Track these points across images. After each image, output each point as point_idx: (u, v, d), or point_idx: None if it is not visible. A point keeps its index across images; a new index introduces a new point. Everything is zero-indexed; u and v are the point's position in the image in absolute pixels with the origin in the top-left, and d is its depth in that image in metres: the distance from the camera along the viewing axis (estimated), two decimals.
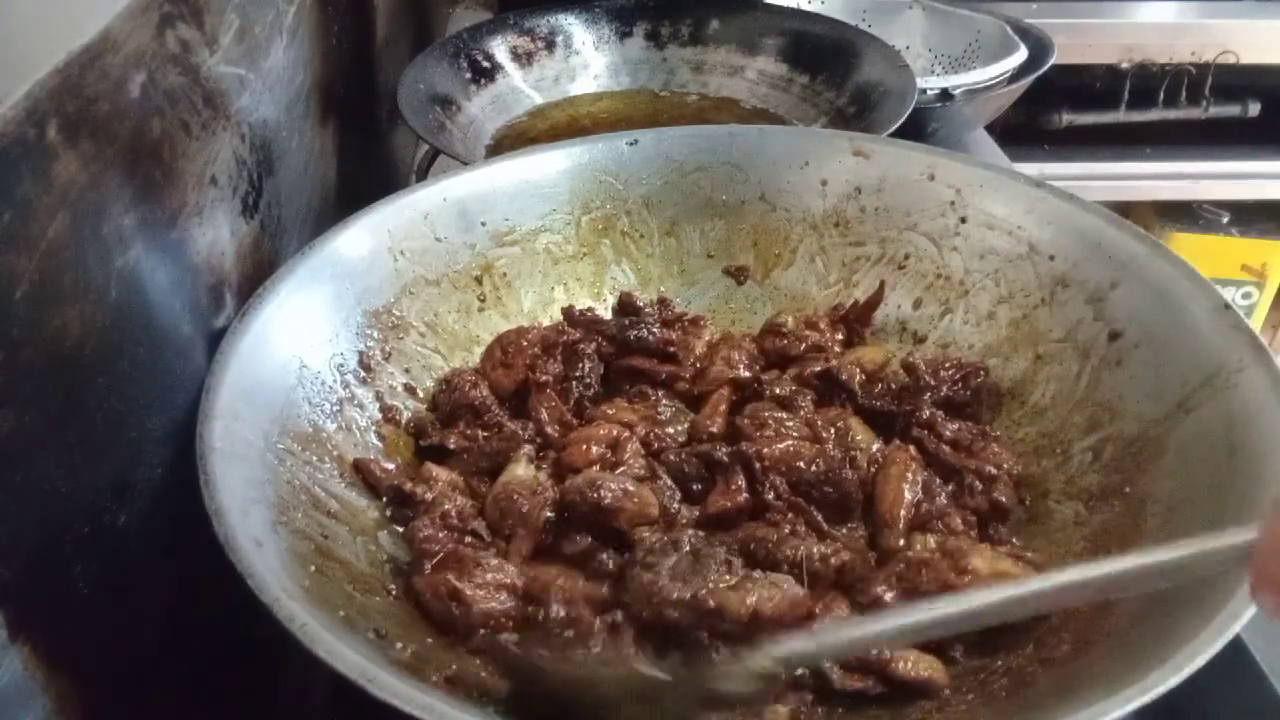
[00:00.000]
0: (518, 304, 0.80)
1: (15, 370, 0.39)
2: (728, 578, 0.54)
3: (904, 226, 0.80)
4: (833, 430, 0.67)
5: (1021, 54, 1.25)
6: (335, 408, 0.65)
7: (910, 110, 1.00)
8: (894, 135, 0.95)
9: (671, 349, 0.75)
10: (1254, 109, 1.85)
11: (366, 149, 1.10)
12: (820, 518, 0.61)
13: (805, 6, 1.40)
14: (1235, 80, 1.80)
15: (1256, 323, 1.99)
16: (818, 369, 0.72)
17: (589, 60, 1.26)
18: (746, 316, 0.83)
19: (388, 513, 0.63)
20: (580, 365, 0.74)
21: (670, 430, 0.69)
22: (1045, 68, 1.29)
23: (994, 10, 1.41)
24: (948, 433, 0.67)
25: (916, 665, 0.53)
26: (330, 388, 0.66)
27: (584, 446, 0.65)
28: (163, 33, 0.54)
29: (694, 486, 0.64)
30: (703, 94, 1.24)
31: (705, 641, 0.53)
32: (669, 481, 0.64)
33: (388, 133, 1.21)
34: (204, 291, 0.60)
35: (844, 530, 0.62)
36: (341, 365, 0.67)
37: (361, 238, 0.72)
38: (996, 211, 0.76)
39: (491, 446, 0.67)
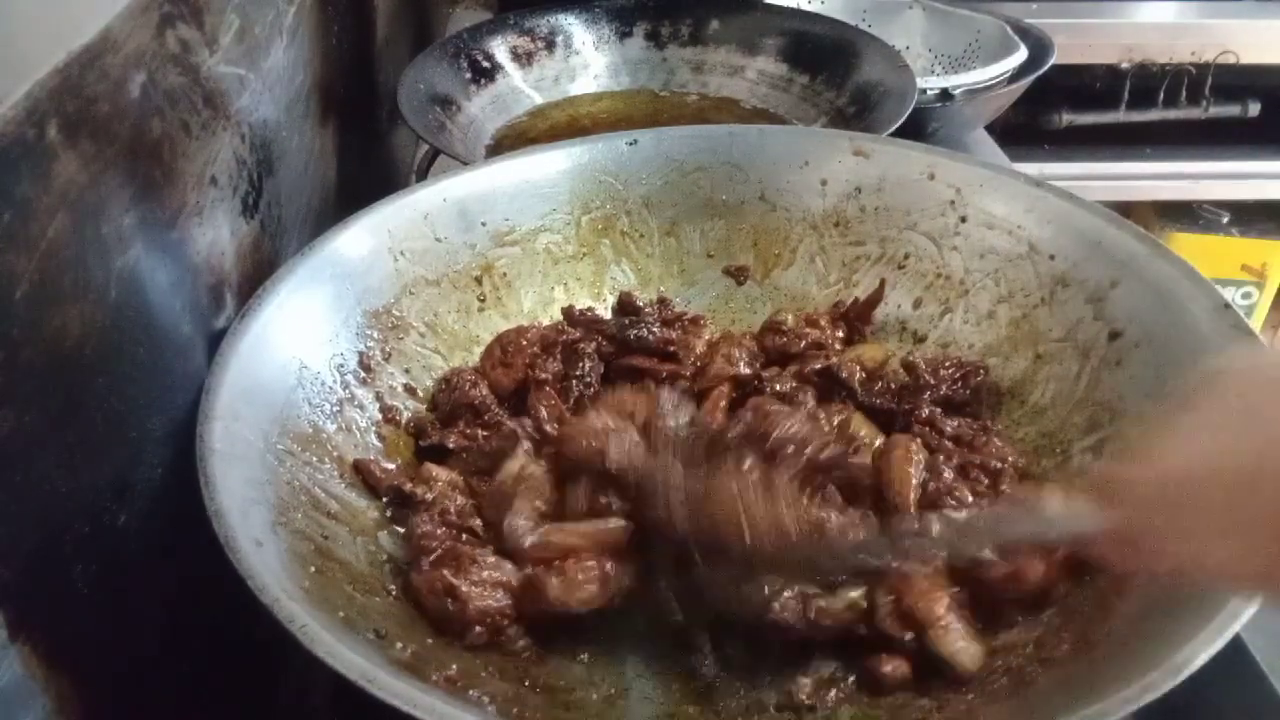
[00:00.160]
0: (518, 304, 0.80)
1: (15, 370, 0.39)
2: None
3: (904, 226, 0.80)
4: (835, 424, 0.67)
5: (1021, 54, 1.25)
6: (335, 408, 0.65)
7: (910, 110, 1.00)
8: (894, 135, 0.95)
9: (672, 348, 0.75)
10: (1254, 109, 1.85)
11: (366, 149, 1.10)
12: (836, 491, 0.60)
13: (805, 6, 1.40)
14: (1235, 80, 1.80)
15: (1256, 323, 1.99)
16: (818, 366, 0.72)
17: (589, 60, 1.26)
18: (746, 316, 0.83)
19: (388, 513, 0.63)
20: (580, 364, 0.74)
21: (671, 424, 0.69)
22: (1045, 68, 1.29)
23: (994, 10, 1.41)
24: (948, 429, 0.67)
25: (955, 645, 0.53)
26: (330, 388, 0.66)
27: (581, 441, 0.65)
28: (163, 33, 0.54)
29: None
30: (703, 94, 1.24)
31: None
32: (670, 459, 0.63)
33: (388, 133, 1.21)
34: (204, 291, 0.60)
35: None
36: (341, 365, 0.67)
37: (361, 238, 0.72)
38: (996, 211, 0.76)
39: (490, 446, 0.67)
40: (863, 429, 0.68)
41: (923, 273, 0.78)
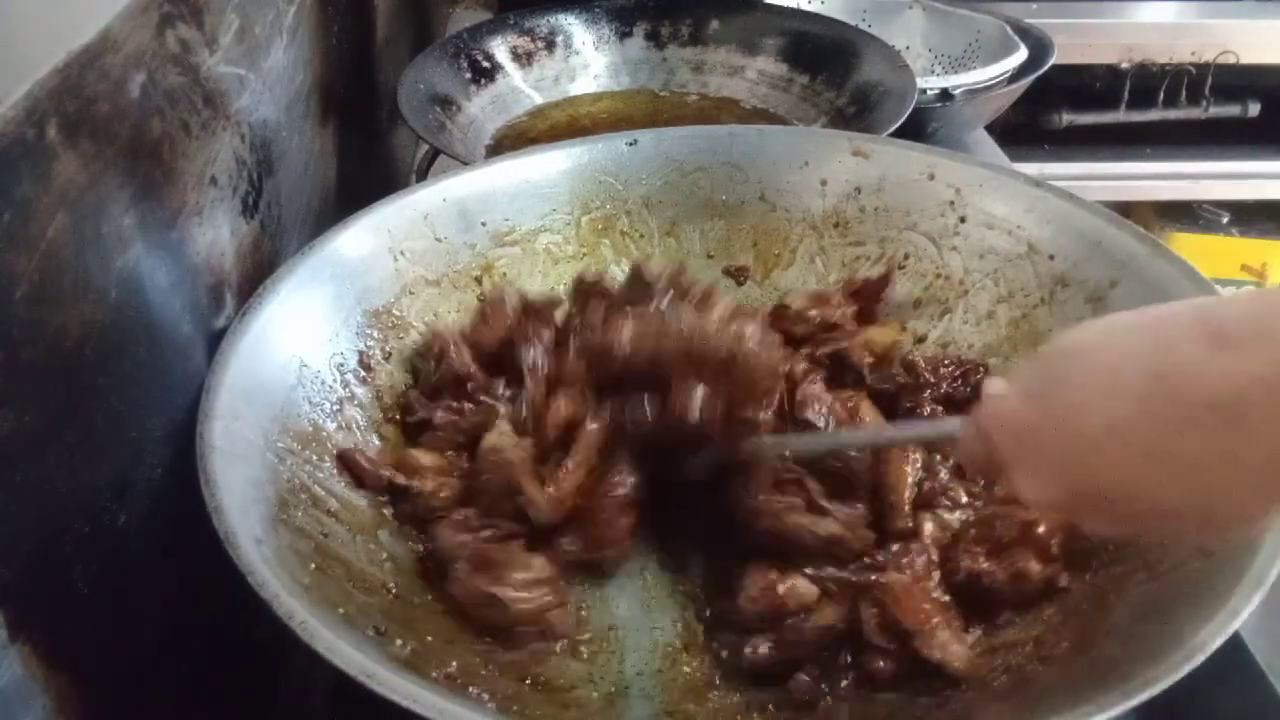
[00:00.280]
0: None
1: (15, 370, 0.39)
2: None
3: (904, 226, 0.80)
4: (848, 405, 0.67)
5: (1021, 54, 1.25)
6: (335, 407, 0.65)
7: (910, 110, 1.00)
8: (894, 135, 0.95)
9: None
10: (1254, 109, 1.85)
11: (366, 149, 1.10)
12: (820, 490, 0.61)
13: (805, 6, 1.40)
14: (1235, 80, 1.80)
15: None
16: (830, 350, 0.72)
17: (589, 60, 1.26)
18: None
19: (387, 511, 0.63)
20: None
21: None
22: (1045, 68, 1.29)
23: (994, 10, 1.41)
24: None
25: (944, 651, 0.53)
26: (330, 387, 0.66)
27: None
28: (163, 33, 0.54)
29: None
30: (703, 94, 1.24)
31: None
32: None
33: (388, 133, 1.21)
34: (204, 291, 0.60)
35: (844, 507, 0.61)
36: (341, 365, 0.67)
37: (361, 238, 0.72)
38: (996, 211, 0.76)
39: (467, 421, 0.67)
40: (869, 415, 0.68)
41: (922, 273, 0.78)
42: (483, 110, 1.15)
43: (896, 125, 0.97)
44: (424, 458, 0.65)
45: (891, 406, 0.70)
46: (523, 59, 1.22)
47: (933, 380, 0.70)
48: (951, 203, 0.78)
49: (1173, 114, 1.83)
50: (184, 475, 0.52)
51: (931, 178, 0.79)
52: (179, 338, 0.56)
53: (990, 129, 1.40)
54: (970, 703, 0.52)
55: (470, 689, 0.51)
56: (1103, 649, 0.50)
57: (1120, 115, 1.84)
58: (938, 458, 0.64)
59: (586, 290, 0.71)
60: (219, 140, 0.62)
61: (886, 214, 0.80)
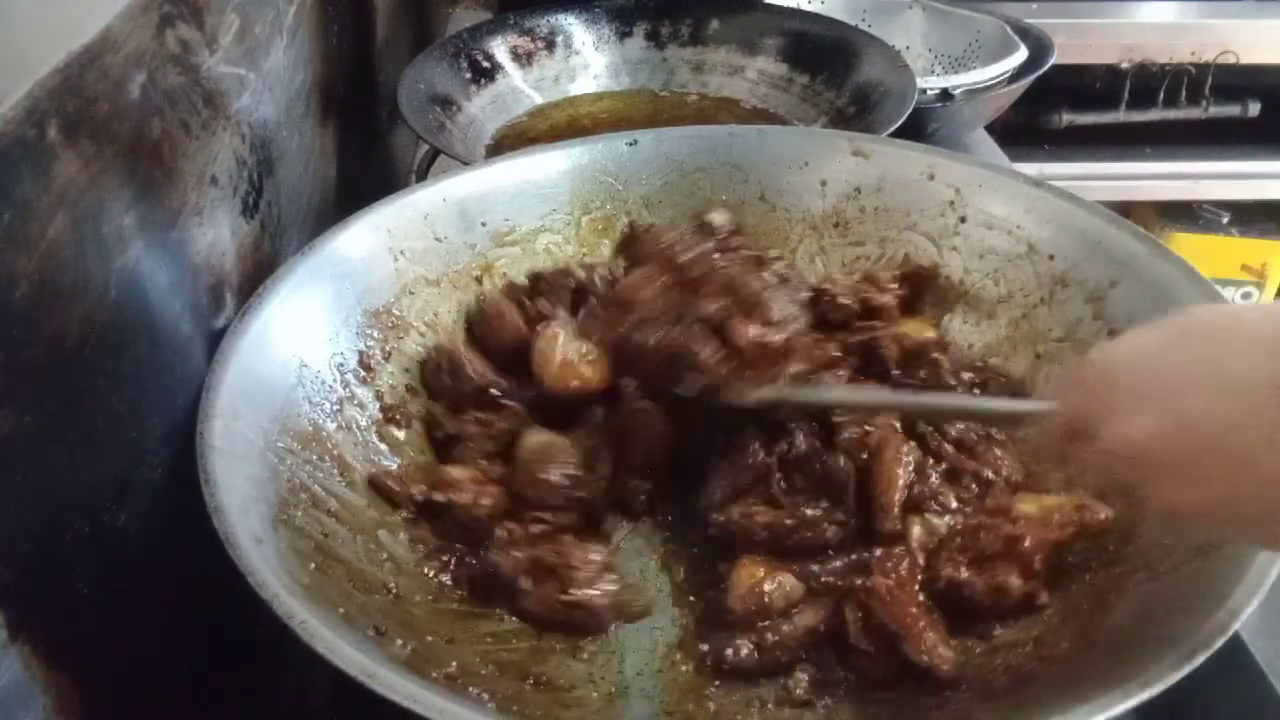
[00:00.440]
0: None
1: (15, 370, 0.40)
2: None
3: (904, 226, 0.80)
4: None
5: (1021, 54, 1.25)
6: (335, 407, 0.65)
7: (910, 110, 1.00)
8: (894, 135, 0.95)
9: None
10: (1254, 109, 1.84)
11: (366, 149, 1.10)
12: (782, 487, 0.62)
13: (805, 6, 1.40)
14: (1235, 80, 1.80)
15: None
16: (863, 338, 0.72)
17: (589, 60, 1.26)
18: None
19: (412, 522, 0.63)
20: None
21: None
22: (1045, 68, 1.29)
23: (994, 10, 1.41)
24: (953, 431, 0.67)
25: (931, 654, 0.53)
26: (330, 387, 0.66)
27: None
28: (163, 33, 0.54)
29: None
30: (703, 94, 1.24)
31: None
32: None
33: (388, 133, 1.21)
34: (204, 291, 0.61)
35: (820, 507, 0.62)
36: (341, 365, 0.67)
37: (361, 238, 0.72)
38: (996, 211, 0.76)
39: (496, 429, 0.67)
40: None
41: None
42: (483, 110, 1.15)
43: (896, 125, 0.97)
44: (456, 471, 0.65)
45: None
46: (523, 59, 1.22)
47: (954, 384, 0.70)
48: (951, 203, 0.78)
49: (1173, 114, 1.83)
50: (184, 475, 0.52)
51: (931, 178, 0.79)
52: (179, 338, 0.56)
53: (990, 129, 1.40)
54: (970, 703, 0.52)
55: (470, 689, 0.51)
56: (1103, 649, 0.50)
57: (1120, 115, 1.84)
58: (930, 461, 0.64)
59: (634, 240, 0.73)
60: (219, 140, 0.63)
61: (886, 214, 0.80)
